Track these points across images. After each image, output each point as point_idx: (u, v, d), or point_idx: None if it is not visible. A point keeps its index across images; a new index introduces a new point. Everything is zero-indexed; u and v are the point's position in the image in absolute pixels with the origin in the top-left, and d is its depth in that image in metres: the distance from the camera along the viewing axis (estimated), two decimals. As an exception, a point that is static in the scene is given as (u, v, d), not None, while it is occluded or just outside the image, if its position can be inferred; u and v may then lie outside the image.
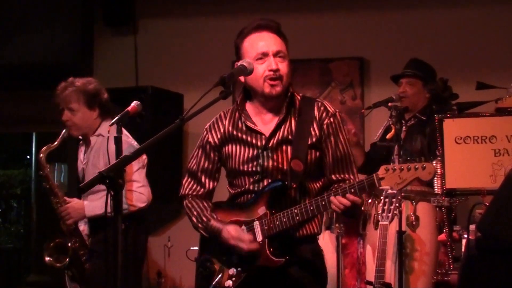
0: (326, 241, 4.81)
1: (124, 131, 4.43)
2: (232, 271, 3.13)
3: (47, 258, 4.50)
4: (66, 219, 4.46)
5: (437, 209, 4.59)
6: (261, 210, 3.10)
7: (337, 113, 3.20)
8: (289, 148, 3.12)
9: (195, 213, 3.27)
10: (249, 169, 3.16)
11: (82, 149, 4.63)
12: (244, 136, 3.19)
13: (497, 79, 5.01)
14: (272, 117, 3.19)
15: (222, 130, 3.26)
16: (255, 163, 3.15)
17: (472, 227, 3.68)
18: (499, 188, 3.01)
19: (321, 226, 3.26)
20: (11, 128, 9.23)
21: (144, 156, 4.52)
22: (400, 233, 4.40)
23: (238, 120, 3.24)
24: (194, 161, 3.33)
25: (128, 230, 4.34)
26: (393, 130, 4.70)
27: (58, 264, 4.48)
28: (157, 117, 6.30)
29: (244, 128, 3.21)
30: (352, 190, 2.92)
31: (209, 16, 7.03)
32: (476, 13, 6.46)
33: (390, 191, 4.24)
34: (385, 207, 4.24)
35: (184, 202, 3.35)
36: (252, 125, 3.19)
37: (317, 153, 3.15)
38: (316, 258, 3.21)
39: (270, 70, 3.09)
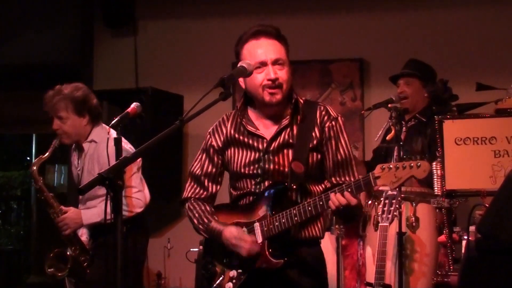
0: (326, 243, 4.80)
1: (106, 127, 4.44)
2: (233, 273, 3.13)
3: (48, 270, 4.47)
4: (63, 229, 4.44)
5: (437, 210, 4.58)
6: (262, 211, 3.11)
7: (339, 117, 3.20)
8: (290, 151, 3.13)
9: (196, 215, 3.27)
10: (251, 172, 3.16)
11: (75, 154, 4.60)
12: (246, 139, 3.20)
13: (497, 80, 5.02)
14: (274, 122, 3.19)
15: (224, 133, 3.27)
16: (256, 165, 3.15)
17: (472, 228, 3.68)
18: (499, 189, 3.01)
19: (324, 230, 3.24)
20: (11, 129, 9.24)
21: (138, 160, 4.47)
22: (400, 234, 4.40)
23: (240, 124, 3.24)
24: (198, 165, 3.33)
25: (128, 233, 4.34)
26: (393, 131, 4.70)
27: (59, 274, 4.47)
28: (157, 118, 6.30)
29: (245, 132, 3.21)
30: (349, 189, 2.91)
31: (209, 17, 7.03)
32: (476, 14, 6.46)
33: (390, 192, 4.24)
34: (385, 209, 4.24)
35: (186, 205, 3.34)
36: (253, 129, 3.19)
37: (319, 156, 3.15)
38: (317, 263, 3.20)
39: (269, 80, 3.09)
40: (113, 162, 2.89)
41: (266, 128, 3.19)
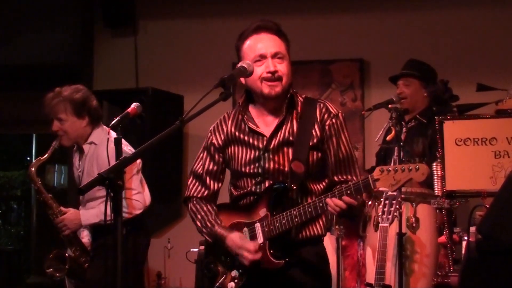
0: (326, 243, 4.74)
1: (106, 129, 4.45)
2: (235, 273, 3.13)
3: (47, 270, 4.49)
4: (62, 230, 4.45)
5: (437, 211, 4.58)
6: (262, 211, 3.11)
7: (339, 114, 3.19)
8: (290, 149, 3.12)
9: (199, 217, 3.28)
10: (251, 171, 3.16)
11: (76, 155, 4.61)
12: (246, 138, 3.20)
13: (498, 81, 5.01)
14: (273, 118, 3.19)
15: (225, 131, 3.27)
16: (256, 164, 3.15)
17: (472, 229, 3.68)
18: (499, 190, 3.01)
19: (326, 228, 3.24)
20: (11, 129, 9.23)
21: (138, 161, 4.49)
22: (400, 235, 4.39)
23: (241, 122, 3.24)
24: (199, 163, 3.33)
25: (128, 234, 4.34)
26: (393, 132, 4.69)
27: (58, 274, 4.48)
28: (157, 118, 6.30)
29: (246, 130, 3.21)
30: (348, 192, 2.91)
31: (209, 18, 7.03)
32: (477, 14, 6.46)
33: (390, 193, 4.24)
34: (385, 209, 4.24)
35: (189, 205, 3.34)
36: (254, 127, 3.19)
37: (319, 154, 3.15)
38: (319, 261, 3.20)
39: (268, 72, 3.10)
40: (113, 163, 2.88)
41: (266, 126, 3.19)
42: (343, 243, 4.90)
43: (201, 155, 3.33)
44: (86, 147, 4.48)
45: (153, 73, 7.04)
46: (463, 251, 4.14)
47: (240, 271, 3.12)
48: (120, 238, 2.59)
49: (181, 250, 6.48)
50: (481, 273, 2.84)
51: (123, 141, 4.31)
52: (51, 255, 4.49)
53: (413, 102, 5.20)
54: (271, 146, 3.14)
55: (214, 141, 3.29)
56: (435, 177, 4.41)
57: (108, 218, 2.59)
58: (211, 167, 3.30)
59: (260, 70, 3.11)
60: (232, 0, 6.99)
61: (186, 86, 6.73)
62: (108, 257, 3.51)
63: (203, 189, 3.32)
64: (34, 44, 7.30)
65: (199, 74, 6.69)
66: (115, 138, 3.53)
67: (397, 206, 4.23)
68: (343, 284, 4.92)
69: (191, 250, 6.22)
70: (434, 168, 4.43)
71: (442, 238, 4.53)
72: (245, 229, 3.14)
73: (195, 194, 3.32)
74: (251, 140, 3.18)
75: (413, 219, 4.60)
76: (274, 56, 3.12)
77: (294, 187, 3.07)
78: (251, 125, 3.20)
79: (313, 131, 3.13)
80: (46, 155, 4.53)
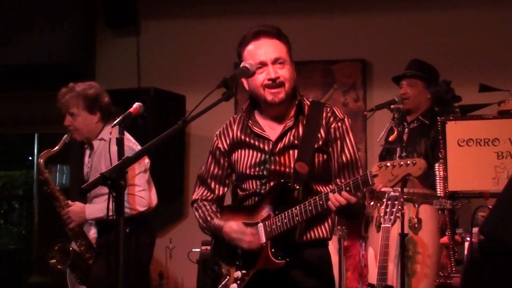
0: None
1: (127, 135, 4.46)
2: (237, 274, 3.13)
3: (50, 261, 4.53)
4: (67, 222, 4.50)
5: (440, 211, 4.57)
6: (265, 212, 3.10)
7: (345, 119, 3.19)
8: (295, 152, 3.12)
9: (201, 214, 3.30)
10: (256, 173, 3.17)
11: (87, 152, 4.66)
12: (252, 141, 3.20)
13: (500, 82, 5.02)
14: (279, 123, 3.19)
15: (231, 135, 3.27)
16: (262, 167, 3.15)
17: (475, 230, 3.68)
18: (502, 191, 3.00)
19: (332, 231, 3.22)
20: (13, 129, 9.23)
21: (147, 160, 4.54)
22: (402, 235, 4.39)
23: (247, 126, 3.24)
24: (205, 168, 3.35)
25: (131, 233, 4.36)
26: (395, 132, 4.69)
27: (59, 266, 4.51)
28: (159, 118, 6.30)
29: (252, 134, 3.21)
30: (348, 188, 2.90)
31: (211, 18, 7.03)
32: (479, 15, 6.45)
33: (392, 193, 4.23)
34: (388, 210, 4.23)
35: (194, 206, 3.36)
36: (259, 131, 3.19)
37: (324, 156, 3.14)
38: (323, 264, 3.19)
39: (269, 79, 3.09)
40: (115, 161, 2.88)
41: (271, 130, 3.19)
42: (345, 244, 4.89)
43: (207, 159, 3.35)
44: (96, 143, 4.52)
45: (155, 73, 7.04)
46: (466, 252, 4.14)
47: (243, 271, 3.12)
48: (122, 237, 2.58)
49: (183, 250, 6.49)
50: (483, 274, 2.83)
51: (128, 136, 4.39)
52: (56, 247, 4.54)
53: (416, 103, 5.20)
54: (277, 149, 3.15)
55: (220, 145, 3.29)
56: (438, 178, 4.41)
57: (110, 213, 2.59)
58: (216, 171, 3.31)
59: (261, 77, 3.10)
60: (233, 0, 6.98)
61: (188, 86, 6.73)
62: (112, 256, 3.52)
63: (208, 193, 3.33)
64: (36, 44, 7.29)
65: (201, 74, 6.69)
66: (117, 138, 3.54)
67: (399, 207, 4.23)
68: (345, 285, 4.92)
69: (193, 250, 6.22)
70: (437, 169, 4.44)
71: (444, 239, 4.53)
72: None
73: (200, 197, 3.35)
74: (256, 143, 3.19)
75: (415, 219, 4.60)
76: (275, 62, 3.11)
77: (297, 187, 3.07)
78: (256, 129, 3.20)
79: (318, 134, 3.13)
80: (57, 147, 4.59)
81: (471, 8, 6.49)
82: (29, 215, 11.05)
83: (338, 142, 3.15)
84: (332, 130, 3.14)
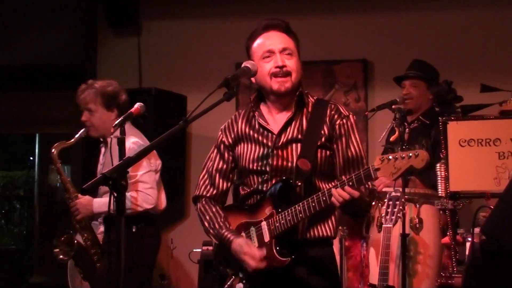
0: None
1: (139, 133, 4.54)
2: (243, 274, 3.12)
3: (54, 250, 4.57)
4: (75, 214, 4.56)
5: (441, 212, 4.58)
6: (268, 210, 3.10)
7: (350, 115, 3.18)
8: (298, 146, 3.11)
9: (207, 217, 3.27)
10: (258, 168, 3.16)
11: (102, 150, 4.68)
12: (256, 135, 3.20)
13: (502, 82, 5.01)
14: (283, 115, 3.19)
15: (235, 130, 3.27)
16: (264, 162, 3.15)
17: (476, 230, 3.68)
18: (504, 191, 3.00)
19: (336, 230, 3.20)
20: (14, 129, 9.24)
21: (158, 161, 4.63)
22: (404, 235, 4.39)
23: (252, 118, 3.24)
24: (210, 162, 3.34)
25: (138, 233, 4.39)
26: (396, 133, 4.69)
27: (61, 257, 4.55)
28: (160, 118, 6.29)
29: (256, 127, 3.21)
30: (350, 183, 2.89)
31: (213, 18, 7.03)
32: (480, 15, 6.44)
33: (393, 193, 4.23)
34: (389, 210, 4.23)
35: (198, 205, 3.34)
36: (264, 123, 3.19)
37: (327, 153, 3.13)
38: (327, 263, 3.18)
39: (277, 67, 3.10)
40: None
41: (275, 123, 3.19)
42: (347, 244, 4.89)
43: (212, 154, 3.34)
44: (109, 140, 4.53)
45: (156, 73, 7.04)
46: (467, 252, 4.13)
47: (248, 273, 3.11)
48: (123, 236, 2.58)
49: (184, 250, 6.49)
50: (485, 274, 2.83)
51: (140, 135, 4.50)
52: (62, 238, 4.58)
53: (418, 103, 5.21)
54: (280, 143, 3.14)
55: (224, 139, 3.29)
56: (439, 178, 4.41)
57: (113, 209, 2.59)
58: (220, 165, 3.30)
59: (268, 66, 3.12)
60: (235, 0, 6.98)
61: (189, 86, 6.73)
62: (113, 255, 3.53)
63: (212, 189, 3.32)
64: (37, 44, 7.29)
65: (203, 74, 6.69)
66: (118, 138, 3.54)
67: (401, 207, 4.23)
68: (346, 285, 4.92)
69: (194, 250, 6.22)
70: (438, 169, 4.44)
71: (446, 239, 4.53)
72: (252, 228, 3.14)
73: (204, 193, 3.32)
74: (260, 138, 3.18)
75: (417, 220, 4.59)
76: (283, 51, 3.13)
77: (299, 184, 3.06)
78: (261, 121, 3.20)
79: (322, 130, 3.12)
80: (72, 140, 4.64)
81: (473, 8, 6.48)
82: (30, 215, 11.05)
83: (343, 139, 3.13)
84: (337, 126, 3.13)
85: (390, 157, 2.83)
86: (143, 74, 7.06)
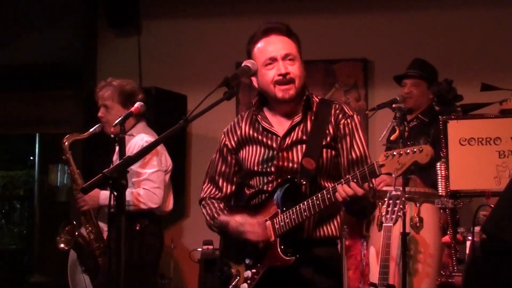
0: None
1: (152, 133, 4.60)
2: (247, 273, 3.11)
3: (57, 238, 4.64)
4: (81, 205, 4.60)
5: (441, 210, 4.58)
6: (273, 209, 3.09)
7: (355, 115, 3.17)
8: (303, 147, 3.10)
9: (209, 211, 3.28)
10: (263, 170, 3.15)
11: (116, 149, 4.70)
12: (260, 137, 3.18)
13: (502, 81, 5.01)
14: (287, 119, 3.17)
15: (239, 133, 3.26)
16: (269, 163, 3.14)
17: (477, 229, 3.67)
18: (504, 190, 3.00)
19: (341, 229, 3.20)
20: (14, 129, 9.24)
21: (169, 163, 4.67)
22: (404, 234, 4.39)
23: (255, 121, 3.23)
24: (213, 165, 3.34)
25: (143, 231, 4.41)
26: (397, 132, 4.69)
27: (62, 245, 4.59)
28: (160, 118, 6.29)
29: (260, 129, 3.20)
30: (355, 180, 2.88)
31: (213, 18, 7.03)
32: (481, 14, 6.44)
33: (394, 192, 4.23)
34: (389, 209, 4.23)
35: (201, 204, 3.35)
36: (268, 126, 3.18)
37: (333, 153, 3.12)
38: (332, 263, 3.18)
39: (280, 75, 3.08)
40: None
41: (280, 126, 3.17)
42: (347, 243, 4.89)
43: (215, 157, 3.34)
44: (132, 142, 4.56)
45: (156, 72, 7.04)
46: (467, 251, 4.13)
47: (253, 271, 3.10)
48: (123, 237, 2.57)
49: (184, 250, 6.49)
50: (485, 273, 2.83)
51: (154, 135, 4.56)
52: (66, 228, 4.65)
53: (419, 102, 5.21)
54: (284, 146, 3.13)
55: (227, 142, 3.28)
56: (439, 177, 4.41)
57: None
58: (223, 169, 3.30)
59: (271, 73, 3.10)
60: (235, 0, 6.98)
61: (189, 85, 6.73)
62: (113, 251, 3.54)
63: (216, 191, 3.32)
64: (38, 44, 7.30)
65: (203, 74, 6.68)
66: (118, 137, 3.54)
67: (401, 206, 4.22)
68: (347, 284, 4.92)
69: (194, 250, 6.22)
70: (438, 168, 4.43)
71: (446, 238, 4.52)
72: None
73: (208, 195, 3.33)
74: (264, 140, 3.17)
75: (417, 218, 4.59)
76: (285, 58, 3.10)
77: (304, 182, 3.04)
78: (265, 124, 3.18)
79: (327, 130, 3.11)
80: (85, 134, 4.70)
81: (473, 7, 6.48)
82: (30, 215, 11.06)
83: (348, 139, 3.12)
84: (341, 126, 3.12)
85: (395, 153, 2.82)
86: (143, 74, 7.06)
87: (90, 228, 4.61)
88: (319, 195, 2.95)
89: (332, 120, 3.13)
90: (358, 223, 4.86)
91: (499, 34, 6.37)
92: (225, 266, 3.21)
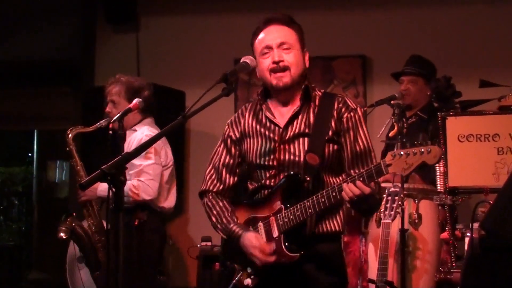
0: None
1: (155, 127, 4.62)
2: (251, 269, 3.11)
3: (58, 227, 4.67)
4: (80, 196, 4.65)
5: (440, 207, 4.58)
6: (276, 205, 3.08)
7: (358, 108, 3.15)
8: (306, 141, 3.09)
9: (215, 212, 3.25)
10: (266, 163, 3.14)
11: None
12: (262, 129, 3.18)
13: (500, 77, 5.00)
14: (288, 109, 3.17)
15: (242, 123, 3.25)
16: (271, 156, 3.13)
17: (475, 225, 3.67)
18: (502, 187, 3.00)
19: (344, 224, 3.18)
20: (13, 126, 9.25)
21: (170, 158, 4.69)
22: (403, 231, 4.39)
23: (259, 112, 3.22)
24: (217, 156, 3.32)
25: (135, 229, 4.40)
26: (395, 128, 4.68)
27: (61, 234, 4.67)
28: (158, 114, 6.28)
29: (263, 121, 3.19)
30: (361, 179, 2.87)
31: (211, 14, 7.02)
32: (479, 10, 6.44)
33: (392, 189, 4.23)
34: (388, 205, 4.23)
35: (204, 200, 3.32)
36: (271, 116, 3.17)
37: (335, 147, 3.10)
38: (336, 258, 3.17)
39: (274, 63, 3.09)
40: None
41: (281, 116, 3.17)
42: (345, 240, 4.89)
43: (219, 148, 3.32)
44: (129, 133, 4.59)
45: (154, 69, 7.03)
46: (466, 248, 4.13)
47: (256, 267, 3.10)
48: (121, 234, 2.57)
49: (183, 246, 6.49)
50: (484, 269, 2.83)
51: (154, 127, 4.58)
52: (67, 219, 4.68)
53: (416, 99, 5.21)
54: (286, 137, 3.12)
55: (231, 133, 3.28)
56: (438, 173, 4.41)
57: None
58: (227, 160, 3.28)
59: (267, 62, 3.11)
60: (234, -4, 6.99)
61: (187, 82, 6.73)
62: (109, 246, 3.55)
63: (218, 183, 3.30)
64: (36, 40, 7.30)
65: (201, 70, 6.68)
66: (117, 134, 3.53)
67: (399, 202, 4.22)
68: (345, 281, 4.91)
69: (193, 246, 6.22)
70: (437, 165, 4.43)
71: (445, 235, 4.52)
72: (260, 223, 3.12)
73: (211, 188, 3.30)
74: (266, 132, 3.16)
75: (416, 215, 4.59)
76: (280, 46, 3.10)
77: (308, 178, 3.03)
78: (268, 114, 3.18)
79: (329, 124, 3.10)
80: (90, 128, 4.70)
81: (472, 4, 6.48)
82: (29, 212, 11.06)
83: (351, 132, 3.11)
84: (344, 120, 3.11)
85: (402, 152, 2.81)
86: (141, 70, 7.05)
87: (91, 221, 4.64)
88: (324, 193, 2.94)
89: (335, 113, 3.11)
90: (356, 219, 4.86)
91: (497, 31, 6.37)
92: (228, 260, 3.20)
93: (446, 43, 6.41)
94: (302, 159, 3.07)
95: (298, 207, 2.99)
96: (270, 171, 3.13)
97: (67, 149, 4.72)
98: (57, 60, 7.28)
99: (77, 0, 7.30)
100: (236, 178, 3.30)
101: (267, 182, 3.14)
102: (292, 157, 3.09)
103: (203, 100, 2.79)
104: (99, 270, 4.57)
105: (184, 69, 6.98)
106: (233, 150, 3.27)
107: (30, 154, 11.28)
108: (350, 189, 2.87)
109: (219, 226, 3.23)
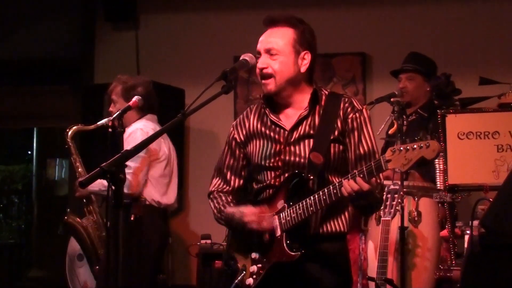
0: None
1: (153, 125, 4.62)
2: (253, 268, 3.09)
3: (63, 220, 4.83)
4: (74, 191, 4.79)
5: (439, 205, 4.58)
6: (280, 204, 3.06)
7: (364, 109, 3.13)
8: (310, 141, 3.08)
9: (216, 205, 3.26)
10: (271, 164, 3.12)
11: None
12: (267, 131, 3.16)
13: (500, 75, 5.01)
14: (294, 112, 3.15)
15: (247, 126, 3.23)
16: (277, 158, 3.11)
17: (475, 223, 3.67)
18: (502, 184, 3.01)
19: (349, 225, 3.16)
20: (12, 124, 9.24)
21: (163, 151, 4.69)
22: (402, 229, 4.39)
23: (264, 114, 3.21)
24: (222, 159, 3.31)
25: (135, 222, 4.41)
26: (395, 126, 4.68)
27: (61, 226, 4.73)
28: (158, 112, 6.28)
29: (268, 123, 3.17)
30: (361, 175, 2.86)
31: (211, 11, 7.02)
32: (479, 8, 6.44)
33: (392, 186, 4.23)
34: (387, 203, 4.23)
35: (210, 198, 3.33)
36: (275, 119, 3.15)
37: (340, 147, 3.09)
38: (340, 258, 3.15)
39: (258, 69, 3.09)
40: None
41: (287, 119, 3.15)
42: (345, 237, 4.88)
43: (224, 150, 3.32)
44: (127, 131, 4.57)
45: (154, 67, 7.03)
46: (466, 245, 4.13)
47: (259, 265, 3.08)
48: (121, 231, 2.57)
49: (182, 244, 6.49)
50: (484, 267, 2.83)
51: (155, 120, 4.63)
52: (68, 215, 4.84)
53: (415, 96, 5.20)
54: (292, 139, 3.11)
55: (236, 136, 3.26)
56: (437, 171, 4.41)
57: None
58: (232, 162, 3.27)
59: (257, 66, 3.11)
60: (233, -6, 6.98)
61: (187, 79, 6.72)
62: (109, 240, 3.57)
63: (224, 185, 3.29)
64: (35, 38, 7.29)
65: (201, 68, 6.68)
66: (116, 132, 3.54)
67: (399, 200, 4.22)
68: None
69: (193, 244, 6.22)
70: (436, 162, 4.43)
71: (444, 232, 4.53)
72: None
73: (216, 189, 3.31)
74: (272, 134, 3.14)
75: (415, 213, 4.59)
76: (267, 52, 3.08)
77: (311, 177, 3.02)
78: (272, 117, 3.16)
79: (335, 124, 3.08)
80: (92, 126, 4.78)
81: (471, 1, 6.48)
82: (28, 210, 11.06)
83: (356, 133, 3.09)
84: (349, 120, 3.08)
85: (401, 148, 2.81)
86: (141, 68, 7.05)
87: (91, 218, 4.72)
88: (326, 190, 2.93)
89: (341, 114, 3.09)
90: (356, 217, 4.85)
91: (497, 28, 6.37)
92: (232, 260, 3.19)
93: (446, 40, 6.40)
94: (307, 160, 3.05)
95: (300, 205, 2.98)
96: (276, 172, 3.12)
97: (66, 146, 4.76)
98: (56, 58, 7.27)
99: (76, -2, 7.31)
100: (242, 181, 3.28)
101: (272, 182, 3.13)
102: (297, 158, 3.08)
103: (202, 97, 2.79)
104: (99, 264, 4.59)
105: (184, 67, 6.97)
106: (237, 152, 3.26)
107: (29, 152, 11.27)
108: (349, 185, 2.87)
109: (219, 215, 3.23)
